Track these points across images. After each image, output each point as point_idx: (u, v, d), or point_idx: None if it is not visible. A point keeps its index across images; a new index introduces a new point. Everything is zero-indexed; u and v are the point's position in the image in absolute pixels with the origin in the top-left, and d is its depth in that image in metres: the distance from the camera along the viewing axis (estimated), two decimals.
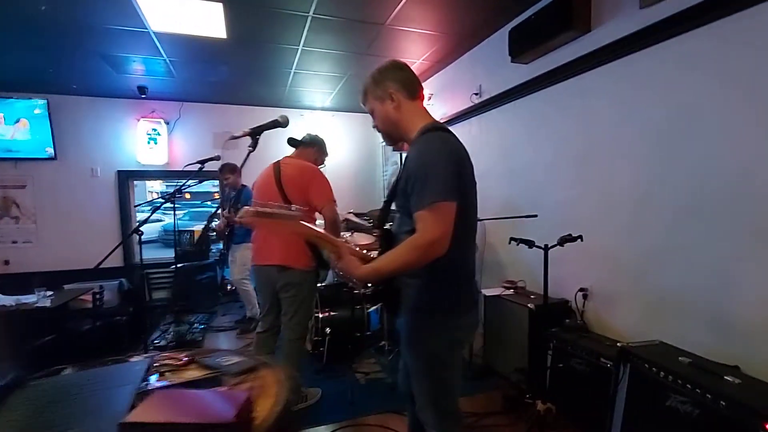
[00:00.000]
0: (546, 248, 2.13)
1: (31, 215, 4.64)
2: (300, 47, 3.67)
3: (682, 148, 2.05)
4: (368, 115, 1.38)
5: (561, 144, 2.83)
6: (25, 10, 2.85)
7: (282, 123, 1.46)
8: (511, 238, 2.24)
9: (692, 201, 2.00)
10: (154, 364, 1.17)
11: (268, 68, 4.22)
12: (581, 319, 2.56)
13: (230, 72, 4.30)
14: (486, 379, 2.84)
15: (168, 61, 3.89)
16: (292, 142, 2.46)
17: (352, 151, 6.29)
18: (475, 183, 1.32)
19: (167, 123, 5.19)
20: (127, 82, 4.43)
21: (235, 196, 3.99)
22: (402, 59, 3.87)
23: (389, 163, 5.98)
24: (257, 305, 3.91)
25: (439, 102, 4.50)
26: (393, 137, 1.38)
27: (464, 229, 1.21)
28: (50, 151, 4.55)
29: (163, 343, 3.66)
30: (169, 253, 5.20)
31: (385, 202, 1.41)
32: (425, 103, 4.56)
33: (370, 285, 1.76)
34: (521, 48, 2.92)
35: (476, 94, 3.76)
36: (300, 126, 5.93)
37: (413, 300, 1.26)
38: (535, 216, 2.54)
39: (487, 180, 3.55)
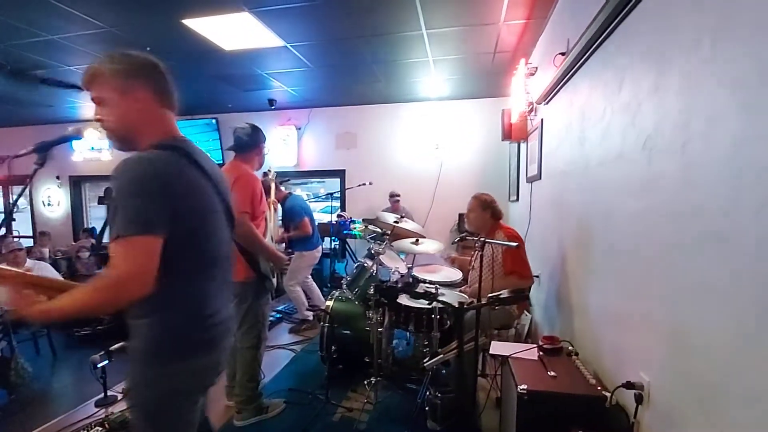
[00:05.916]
0: (461, 308, 1.23)
1: None
2: (368, 36, 3.40)
3: None
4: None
5: (629, 120, 1.60)
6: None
7: (74, 135, 1.37)
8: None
9: None
10: None
11: (346, 64, 4.13)
12: None
13: (323, 75, 4.43)
14: None
15: (264, 75, 4.34)
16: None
17: (476, 144, 5.51)
18: (221, 209, 1.20)
19: (298, 129, 5.84)
20: (259, 97, 5.21)
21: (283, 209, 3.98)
22: (480, 24, 3.09)
23: (514, 156, 4.91)
24: (306, 308, 4.09)
25: (542, 74, 3.36)
26: (124, 140, 1.12)
27: (194, 261, 1.09)
28: (220, 157, 5.85)
29: None
30: None
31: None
32: (531, 79, 3.53)
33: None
34: None
35: (562, 54, 2.59)
36: (416, 119, 5.61)
37: (132, 343, 1.08)
38: (516, 246, 1.51)
39: (566, 180, 2.42)
